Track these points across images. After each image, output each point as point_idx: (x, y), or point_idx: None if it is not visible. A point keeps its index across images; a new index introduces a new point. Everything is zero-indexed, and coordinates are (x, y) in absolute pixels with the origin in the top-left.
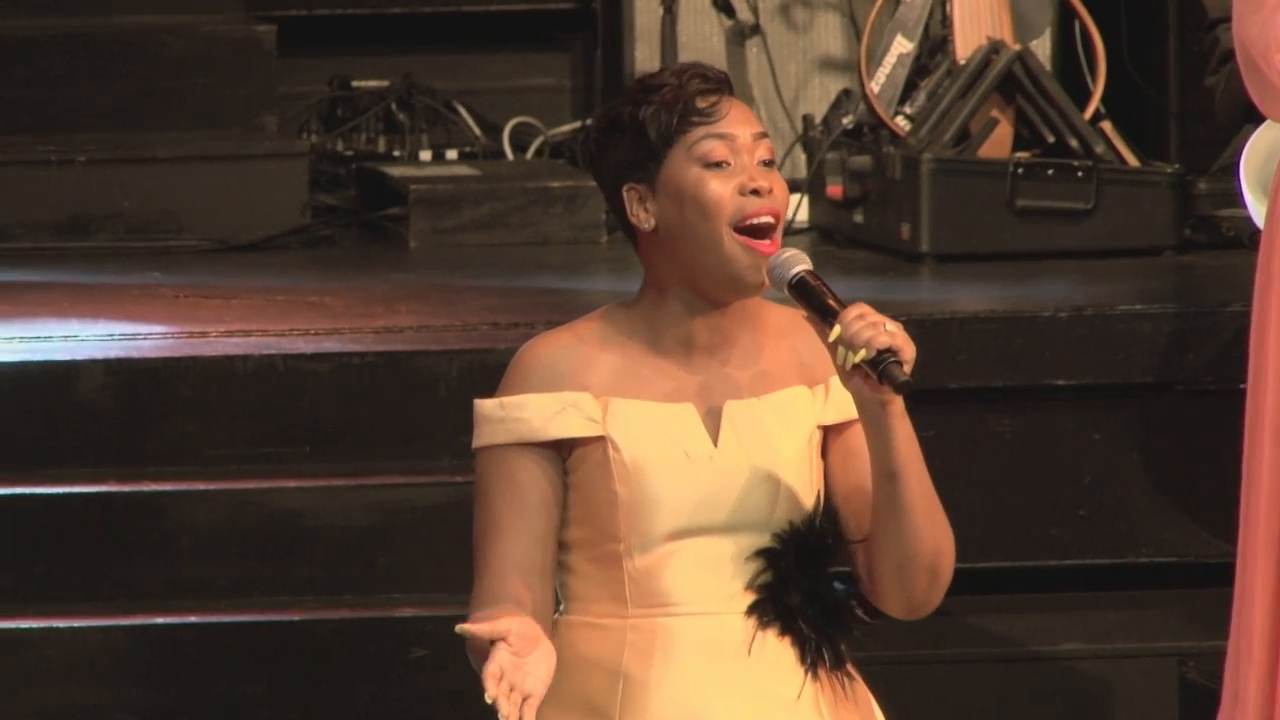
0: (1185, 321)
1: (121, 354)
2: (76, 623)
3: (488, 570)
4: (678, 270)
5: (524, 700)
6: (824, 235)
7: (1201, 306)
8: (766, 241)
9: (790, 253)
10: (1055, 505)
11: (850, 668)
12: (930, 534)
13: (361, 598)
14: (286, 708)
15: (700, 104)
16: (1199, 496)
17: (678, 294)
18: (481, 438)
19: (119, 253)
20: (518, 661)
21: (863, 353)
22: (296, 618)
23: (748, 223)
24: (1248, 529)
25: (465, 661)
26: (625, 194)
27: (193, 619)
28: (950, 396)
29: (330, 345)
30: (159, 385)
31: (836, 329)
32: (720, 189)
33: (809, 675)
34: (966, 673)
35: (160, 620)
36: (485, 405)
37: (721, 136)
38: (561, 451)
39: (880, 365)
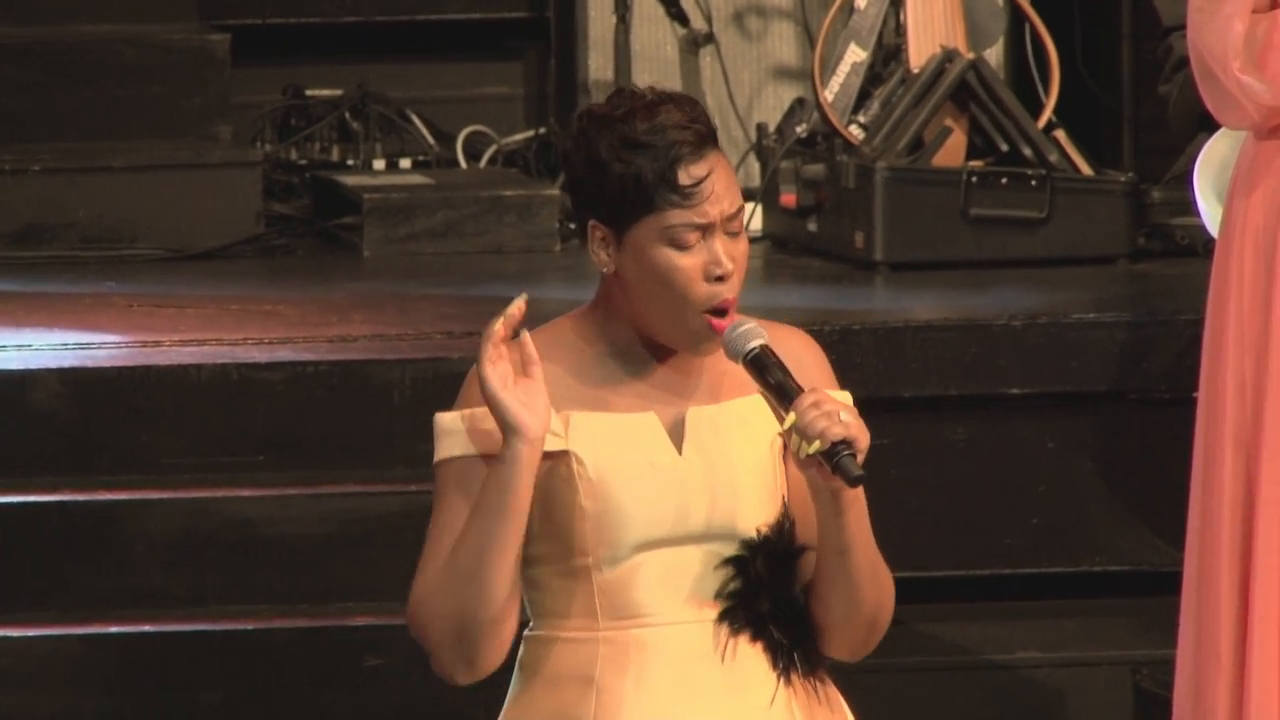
0: (1139, 330)
1: (76, 363)
2: (30, 632)
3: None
4: (631, 310)
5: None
6: (778, 244)
7: (1155, 315)
8: (724, 320)
9: (747, 325)
10: (1010, 513)
11: (823, 672)
12: (873, 595)
13: (316, 606)
14: (242, 716)
15: (683, 179)
16: (1153, 505)
17: (631, 325)
18: (443, 450)
19: (73, 262)
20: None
21: (817, 444)
22: (251, 626)
23: (708, 308)
24: (1207, 537)
25: (419, 670)
26: (590, 229)
27: (147, 628)
28: (904, 405)
29: (284, 354)
30: (113, 394)
31: (791, 416)
32: (688, 270)
33: (782, 680)
34: (921, 681)
35: (115, 629)
36: (446, 418)
37: (697, 226)
38: None
39: (835, 458)
